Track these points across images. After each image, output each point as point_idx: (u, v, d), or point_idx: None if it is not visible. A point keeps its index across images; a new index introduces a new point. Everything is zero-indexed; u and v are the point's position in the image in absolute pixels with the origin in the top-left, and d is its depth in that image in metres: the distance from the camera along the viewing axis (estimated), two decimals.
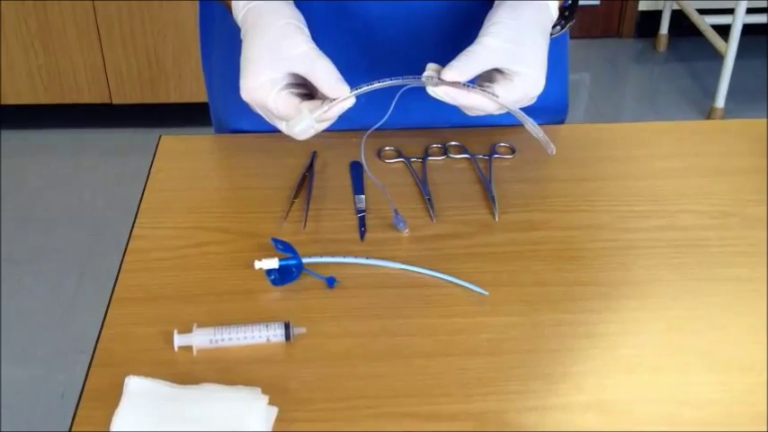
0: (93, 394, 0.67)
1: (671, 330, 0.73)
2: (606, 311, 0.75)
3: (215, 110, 1.08)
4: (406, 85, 0.79)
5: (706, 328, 0.74)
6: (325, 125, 0.80)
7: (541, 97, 0.98)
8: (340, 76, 0.77)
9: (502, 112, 0.81)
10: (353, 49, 0.94)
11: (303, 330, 0.72)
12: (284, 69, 0.77)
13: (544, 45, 0.81)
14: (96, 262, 2.22)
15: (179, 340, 0.71)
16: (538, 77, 0.80)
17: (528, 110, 1.01)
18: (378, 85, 0.78)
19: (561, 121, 1.06)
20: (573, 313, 0.75)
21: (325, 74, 0.76)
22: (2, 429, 1.79)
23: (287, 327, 0.72)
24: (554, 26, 0.86)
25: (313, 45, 0.78)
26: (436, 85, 0.78)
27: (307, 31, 0.79)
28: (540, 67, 0.80)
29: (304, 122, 0.77)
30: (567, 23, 0.91)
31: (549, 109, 1.04)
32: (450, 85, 0.77)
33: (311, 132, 0.79)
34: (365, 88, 0.78)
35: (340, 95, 0.76)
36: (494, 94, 0.78)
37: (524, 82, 0.79)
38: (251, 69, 0.77)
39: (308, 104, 0.78)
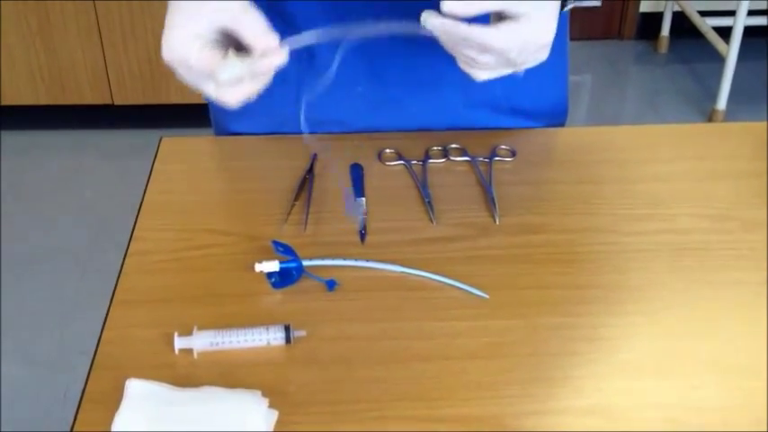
0: (94, 397, 0.67)
1: (670, 334, 0.73)
2: (606, 315, 0.75)
3: (214, 112, 1.08)
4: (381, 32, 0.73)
5: (706, 332, 0.74)
6: (259, 85, 0.74)
7: (541, 100, 0.97)
8: (268, 27, 0.71)
9: (506, 64, 0.74)
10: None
11: (303, 333, 0.72)
12: (209, 23, 0.71)
13: None
14: (97, 262, 2.23)
15: (179, 343, 0.71)
16: (547, 23, 0.74)
17: (529, 113, 1.01)
18: (307, 38, 0.73)
19: (561, 124, 1.06)
20: (573, 317, 0.75)
21: (251, 24, 0.71)
22: (3, 429, 1.80)
23: (287, 329, 0.72)
24: None
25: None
26: (434, 17, 0.71)
27: None
28: (548, 14, 0.73)
29: (234, 69, 0.71)
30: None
31: (549, 112, 1.04)
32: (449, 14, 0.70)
33: (245, 90, 0.73)
34: (303, 39, 0.73)
35: (267, 46, 0.71)
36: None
37: (531, 24, 0.72)
38: (173, 23, 0.72)
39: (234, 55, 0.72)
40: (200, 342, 0.71)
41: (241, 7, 0.71)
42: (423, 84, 0.95)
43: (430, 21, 0.71)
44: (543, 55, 0.76)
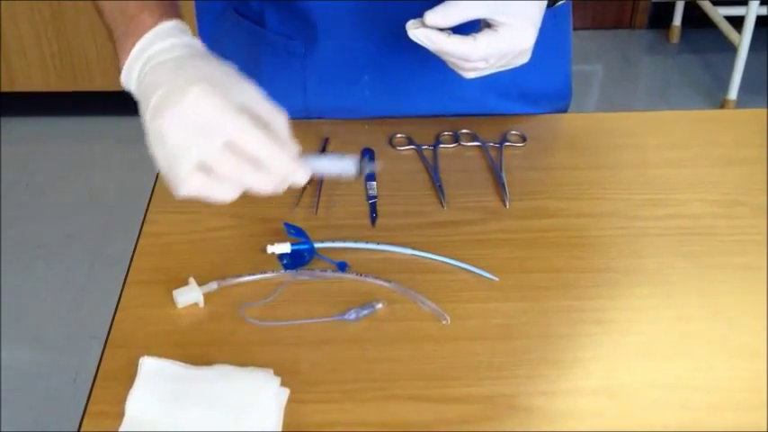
0: (109, 374, 0.68)
1: (680, 317, 0.74)
2: (616, 298, 0.76)
3: None
4: None
5: (715, 315, 0.74)
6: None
7: (545, 83, 0.97)
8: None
9: (486, 65, 0.78)
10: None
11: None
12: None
13: (538, 2, 0.78)
14: (108, 248, 2.24)
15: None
16: (526, 31, 0.77)
17: (532, 96, 1.01)
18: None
19: (565, 107, 1.06)
20: (583, 300, 0.75)
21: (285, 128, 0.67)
22: (15, 412, 1.81)
23: (360, 161, 0.70)
24: None
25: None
26: (417, 28, 0.75)
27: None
28: (528, 22, 0.77)
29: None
30: None
31: (553, 94, 1.04)
32: (431, 27, 0.75)
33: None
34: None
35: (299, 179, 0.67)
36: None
37: (510, 33, 0.75)
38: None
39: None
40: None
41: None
42: (430, 71, 0.95)
43: (413, 32, 0.75)
44: (524, 59, 0.79)
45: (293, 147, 0.67)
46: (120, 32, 0.73)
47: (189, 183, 0.64)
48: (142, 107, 0.67)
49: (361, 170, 0.70)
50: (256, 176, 0.65)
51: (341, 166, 0.70)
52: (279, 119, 0.66)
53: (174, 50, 0.69)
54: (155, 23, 0.70)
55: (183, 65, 0.67)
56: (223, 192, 0.65)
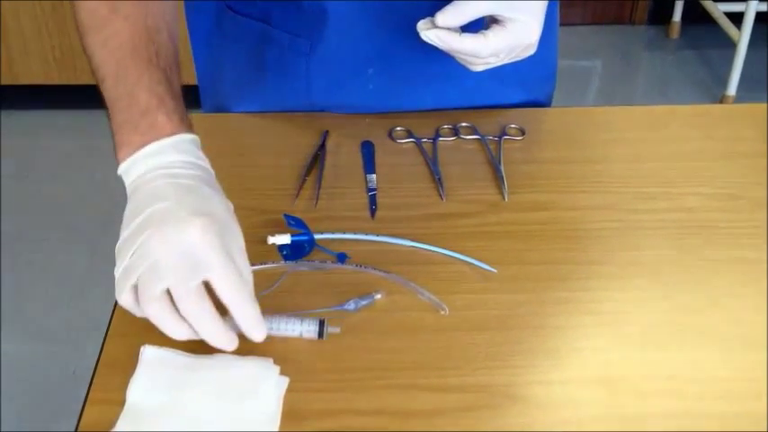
0: (110, 362, 0.69)
1: (676, 309, 0.74)
2: (612, 290, 0.77)
3: (217, 93, 1.07)
4: None
5: (710, 307, 0.75)
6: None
7: (538, 68, 0.98)
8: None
9: (496, 60, 0.80)
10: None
11: (337, 330, 0.71)
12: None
13: None
14: (108, 242, 2.22)
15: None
16: (533, 25, 0.79)
17: (519, 78, 1.01)
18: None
19: (551, 90, 1.08)
20: (580, 291, 0.76)
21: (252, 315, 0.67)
22: (14, 403, 1.82)
23: (321, 324, 0.70)
24: None
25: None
26: (428, 29, 0.78)
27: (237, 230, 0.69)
28: (535, 16, 0.79)
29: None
30: None
31: (544, 78, 1.05)
32: (442, 27, 0.77)
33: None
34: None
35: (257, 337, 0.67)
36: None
37: (517, 28, 0.78)
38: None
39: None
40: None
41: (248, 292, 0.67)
42: (433, 63, 0.96)
43: (425, 33, 0.78)
44: (531, 51, 0.82)
45: (257, 305, 0.67)
46: (125, 119, 0.72)
47: (153, 305, 0.64)
48: (132, 204, 0.69)
49: (321, 334, 0.70)
50: (216, 325, 0.65)
51: (301, 328, 0.70)
52: (250, 275, 0.68)
53: (187, 168, 0.70)
54: (173, 131, 0.70)
55: (193, 189, 0.68)
56: (176, 328, 0.65)
